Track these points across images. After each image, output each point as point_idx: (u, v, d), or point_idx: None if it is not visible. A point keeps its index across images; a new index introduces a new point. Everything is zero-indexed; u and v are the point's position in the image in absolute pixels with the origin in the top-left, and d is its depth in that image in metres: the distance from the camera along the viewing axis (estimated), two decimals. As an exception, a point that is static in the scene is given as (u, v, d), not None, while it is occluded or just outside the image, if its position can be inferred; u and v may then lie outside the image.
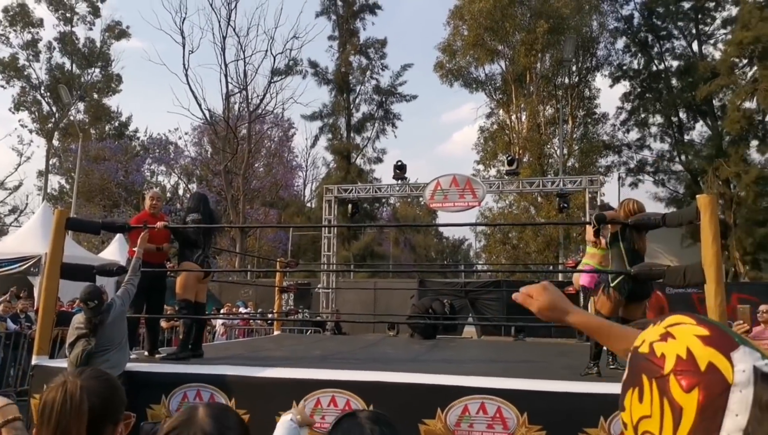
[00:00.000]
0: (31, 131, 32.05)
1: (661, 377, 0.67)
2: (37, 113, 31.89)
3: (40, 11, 31.52)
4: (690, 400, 0.64)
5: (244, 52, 23.66)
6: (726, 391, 0.62)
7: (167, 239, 4.89)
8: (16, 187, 31.60)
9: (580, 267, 6.35)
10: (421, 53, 55.24)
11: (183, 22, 28.24)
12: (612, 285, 4.05)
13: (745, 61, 20.86)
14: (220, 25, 24.01)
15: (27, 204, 31.63)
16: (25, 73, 31.45)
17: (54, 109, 31.76)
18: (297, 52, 32.22)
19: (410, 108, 64.45)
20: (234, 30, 23.76)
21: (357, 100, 30.98)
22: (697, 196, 3.57)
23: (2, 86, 31.32)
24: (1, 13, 30.74)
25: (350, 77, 30.31)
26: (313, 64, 29.92)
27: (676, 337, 0.69)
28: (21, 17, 30.93)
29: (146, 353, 4.84)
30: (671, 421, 0.65)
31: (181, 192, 31.46)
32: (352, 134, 30.71)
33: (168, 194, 31.57)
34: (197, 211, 4.80)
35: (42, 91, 31.72)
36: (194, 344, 4.77)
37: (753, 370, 0.63)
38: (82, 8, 32.36)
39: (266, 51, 33.03)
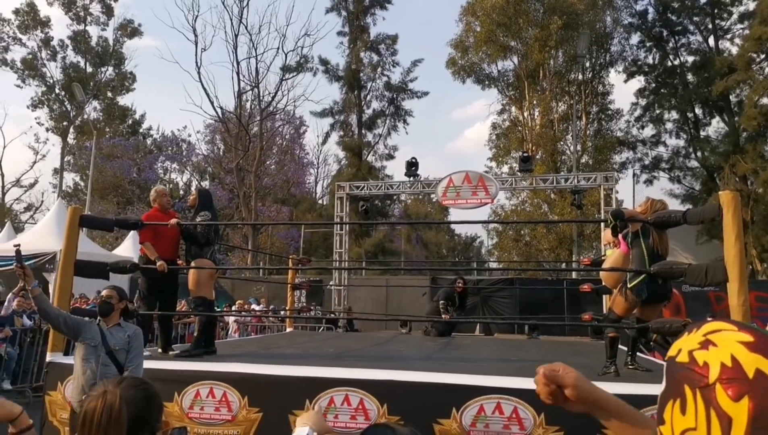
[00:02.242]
0: (47, 129, 32.45)
1: (706, 387, 0.63)
2: (56, 111, 32.25)
3: (53, 11, 31.82)
4: (740, 409, 0.60)
5: (255, 50, 23.71)
6: None
7: (177, 236, 4.87)
8: (32, 185, 32.02)
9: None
10: (432, 49, 55.11)
11: (195, 20, 28.37)
12: (629, 286, 3.95)
13: (762, 56, 20.52)
14: (232, 23, 24.08)
15: (42, 201, 32.04)
16: (41, 72, 31.80)
17: (69, 107, 32.08)
18: (308, 49, 32.22)
19: (421, 105, 64.30)
20: (246, 28, 23.81)
21: (368, 97, 30.94)
22: (720, 192, 3.49)
23: (19, 86, 31.73)
24: (12, 14, 31.12)
25: (361, 74, 30.25)
26: (324, 62, 29.92)
27: (717, 345, 0.65)
28: (31, 18, 31.24)
29: (159, 350, 4.84)
30: (720, 432, 0.61)
31: (193, 189, 31.62)
32: (363, 131, 30.68)
33: (181, 192, 31.77)
34: (207, 209, 4.83)
35: (57, 90, 32.06)
36: (206, 341, 4.76)
37: None
38: (96, 8, 32.66)
39: (278, 48, 33.16)
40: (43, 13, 31.83)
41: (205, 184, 31.18)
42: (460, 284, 8.92)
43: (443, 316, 8.26)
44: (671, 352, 0.71)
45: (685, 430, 0.65)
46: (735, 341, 0.64)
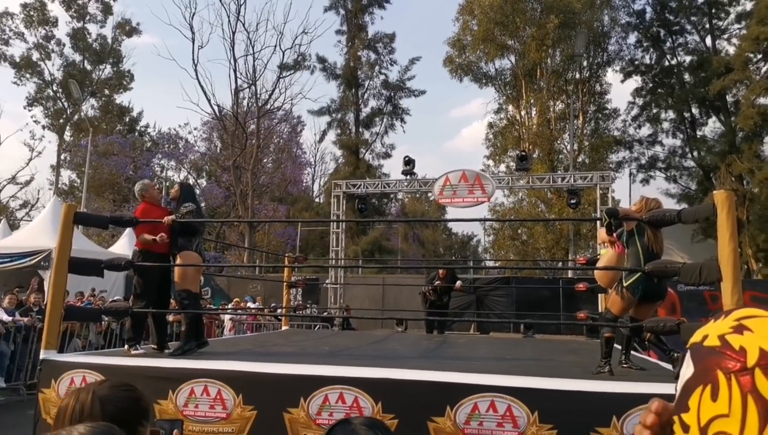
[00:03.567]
0: (44, 127, 32.33)
1: (743, 371, 0.60)
2: (51, 109, 32.13)
3: (54, 9, 31.62)
4: None
5: (253, 48, 23.69)
6: None
7: (171, 231, 4.86)
8: (28, 182, 31.88)
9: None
10: (430, 48, 55.09)
11: (192, 18, 28.21)
12: (625, 284, 3.96)
13: (759, 56, 20.57)
14: (229, 21, 24.07)
15: (38, 198, 31.92)
16: (38, 69, 31.68)
17: (66, 104, 31.98)
18: (306, 47, 32.13)
19: (419, 103, 64.18)
20: (243, 25, 23.83)
21: (365, 95, 30.96)
22: (714, 192, 3.49)
23: (16, 83, 31.61)
24: (19, 7, 31.01)
25: (358, 72, 30.25)
26: (322, 60, 29.91)
27: (754, 330, 0.62)
28: (38, 14, 31.14)
29: (153, 347, 4.82)
30: (757, 418, 0.59)
31: (176, 184, 31.54)
32: (360, 129, 30.68)
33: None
34: (191, 201, 4.83)
35: (54, 88, 31.95)
36: (196, 334, 4.74)
37: None
38: (93, 7, 32.56)
39: (275, 46, 32.90)
40: (52, 13, 31.81)
41: (202, 181, 31.13)
42: (441, 272, 9.03)
43: (427, 294, 8.48)
44: (695, 338, 0.68)
45: (715, 417, 0.61)
46: None
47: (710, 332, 0.66)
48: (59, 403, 1.28)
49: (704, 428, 0.62)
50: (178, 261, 4.66)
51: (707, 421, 0.62)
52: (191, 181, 32.14)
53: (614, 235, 4.07)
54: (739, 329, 0.63)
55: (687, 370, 0.67)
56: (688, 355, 0.68)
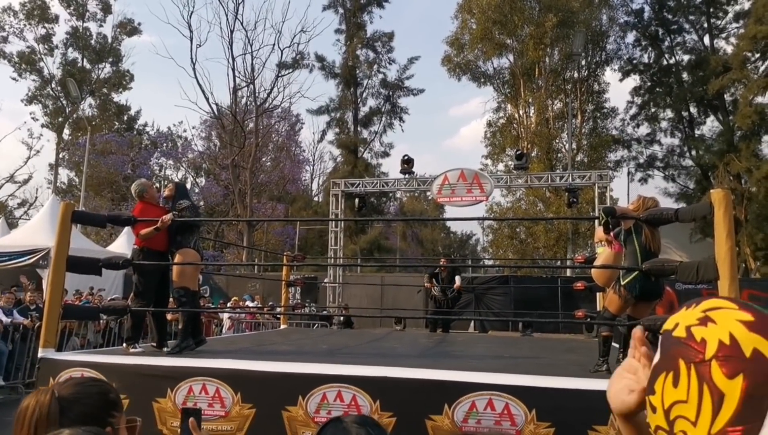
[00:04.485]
0: (42, 125, 32.26)
1: (702, 362, 0.64)
2: (51, 106, 32.07)
3: (54, 5, 31.52)
4: (733, 386, 0.61)
5: (251, 46, 23.69)
6: None
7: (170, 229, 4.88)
8: (26, 181, 31.83)
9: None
10: (428, 47, 55.08)
11: (191, 16, 28.32)
12: (623, 283, 3.97)
13: (757, 56, 20.59)
14: (227, 19, 24.09)
15: (36, 197, 31.87)
16: (38, 67, 31.62)
17: (64, 103, 31.92)
18: (304, 46, 32.14)
19: (417, 102, 64.25)
20: (241, 24, 23.92)
21: (364, 94, 30.94)
22: (711, 190, 3.50)
23: (15, 79, 31.54)
24: (18, 5, 30.93)
25: (357, 71, 30.23)
26: (320, 58, 29.89)
27: (717, 322, 0.66)
28: (38, 11, 31.06)
29: (153, 345, 4.83)
30: (710, 407, 0.63)
31: (188, 186, 31.56)
32: (359, 128, 30.66)
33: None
34: (185, 199, 4.85)
35: (53, 86, 31.89)
36: (193, 331, 4.74)
37: None
38: (93, 5, 32.51)
39: (273, 45, 32.90)
40: (53, 9, 31.72)
41: (201, 180, 31.10)
42: (443, 262, 9.01)
43: (432, 289, 8.46)
44: (668, 325, 0.72)
45: (675, 402, 0.66)
46: (734, 320, 0.65)
47: (680, 321, 0.70)
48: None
49: (667, 411, 0.66)
50: (177, 258, 4.66)
51: (669, 404, 0.66)
52: (189, 179, 32.13)
53: (611, 234, 4.07)
54: (704, 321, 0.67)
55: (656, 355, 0.71)
56: (659, 341, 0.72)
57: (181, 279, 4.62)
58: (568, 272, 14.27)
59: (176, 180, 28.13)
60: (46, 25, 31.62)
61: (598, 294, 8.21)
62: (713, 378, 0.63)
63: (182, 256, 4.64)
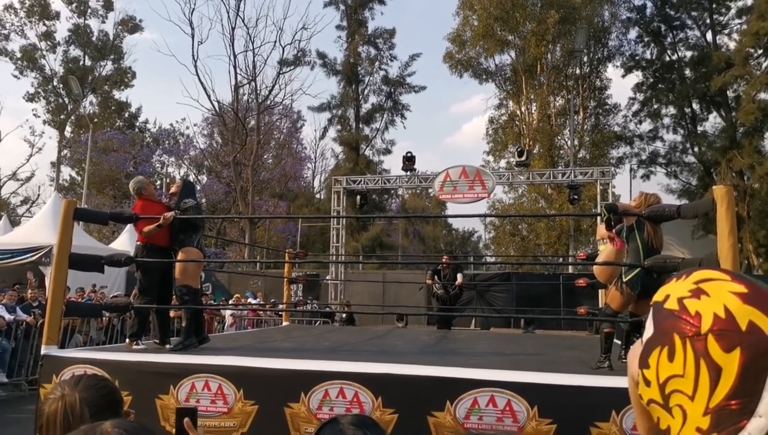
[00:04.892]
0: (44, 122, 32.28)
1: (697, 336, 0.63)
2: (53, 103, 32.09)
3: (55, 3, 31.53)
4: (730, 360, 0.61)
5: (252, 43, 23.62)
6: None
7: (172, 226, 4.88)
8: (28, 178, 31.88)
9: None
10: (430, 44, 54.93)
11: (192, 13, 28.23)
12: (625, 280, 3.97)
13: (760, 52, 20.52)
14: (228, 16, 23.97)
15: (39, 195, 31.92)
16: (39, 64, 31.62)
17: (66, 100, 31.94)
18: (306, 43, 32.07)
19: (419, 99, 64.09)
20: (243, 21, 23.76)
21: (365, 91, 30.89)
22: (713, 187, 3.49)
23: (16, 77, 31.56)
24: (18, 2, 30.90)
25: (359, 68, 30.18)
26: (322, 55, 29.84)
27: (710, 295, 0.65)
28: (39, 8, 31.05)
29: (156, 342, 4.84)
30: (708, 381, 0.62)
31: (177, 179, 31.56)
32: (360, 125, 30.63)
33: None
34: (191, 197, 4.86)
35: (55, 83, 31.91)
36: (197, 330, 4.75)
37: None
38: (94, 2, 32.48)
39: (275, 42, 32.84)
40: (53, 6, 31.69)
41: (203, 177, 31.11)
42: (445, 259, 9.03)
43: (434, 287, 8.46)
44: (658, 296, 0.70)
45: (672, 377, 0.65)
46: (728, 292, 0.64)
47: (671, 293, 0.68)
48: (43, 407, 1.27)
49: (662, 385, 0.66)
50: (180, 257, 4.67)
51: (665, 379, 0.65)
52: (192, 177, 32.13)
53: (613, 231, 4.07)
54: (697, 293, 0.66)
55: (649, 329, 0.69)
56: (650, 313, 0.71)
57: (183, 277, 4.63)
58: (570, 269, 14.27)
59: (184, 177, 28.12)
60: (46, 22, 31.61)
61: (600, 291, 8.21)
62: (710, 352, 0.62)
63: (185, 254, 4.65)
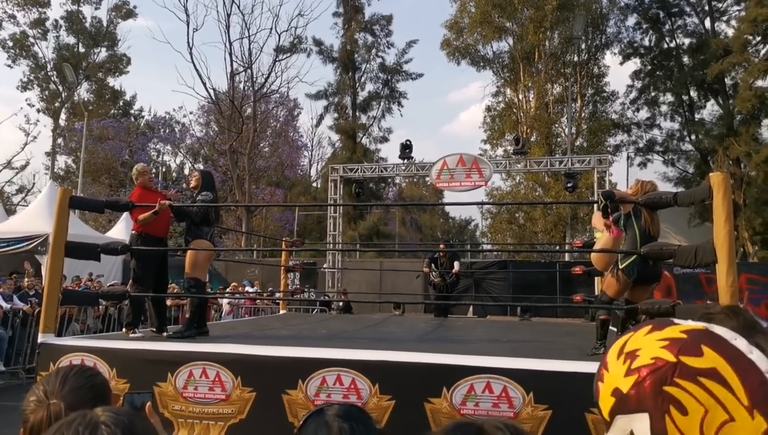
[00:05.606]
0: (38, 111, 32.05)
1: (671, 377, 0.67)
2: (47, 92, 31.83)
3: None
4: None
5: (248, 30, 23.38)
6: None
7: (169, 216, 4.83)
8: (23, 167, 31.69)
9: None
10: (427, 31, 54.53)
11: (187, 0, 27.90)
12: (621, 267, 3.98)
13: (758, 39, 20.43)
14: (224, 2, 23.71)
15: (34, 183, 31.76)
16: (32, 51, 31.32)
17: (60, 88, 31.68)
18: (302, 29, 31.79)
19: (417, 87, 63.88)
20: (238, 7, 23.46)
21: (362, 79, 30.73)
22: (710, 174, 3.49)
23: (9, 65, 31.28)
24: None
25: (355, 55, 29.98)
26: (318, 42, 29.61)
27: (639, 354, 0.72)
28: None
29: (152, 330, 4.85)
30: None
31: (186, 171, 31.48)
32: (357, 113, 30.51)
33: (174, 174, 31.57)
34: (209, 190, 4.78)
35: (48, 70, 31.63)
36: (199, 322, 4.77)
37: None
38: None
39: (271, 29, 32.62)
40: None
41: (199, 166, 30.96)
42: (442, 247, 9.05)
43: (431, 275, 8.48)
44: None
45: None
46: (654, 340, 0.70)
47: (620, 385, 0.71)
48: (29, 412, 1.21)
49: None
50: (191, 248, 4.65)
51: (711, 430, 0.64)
52: (187, 165, 32.02)
53: (610, 218, 4.08)
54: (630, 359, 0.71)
55: (641, 423, 0.68)
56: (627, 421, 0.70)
57: (193, 270, 4.63)
58: (567, 257, 14.30)
59: (202, 169, 27.84)
60: (39, 9, 31.26)
61: (596, 278, 8.25)
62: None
63: (196, 247, 4.64)
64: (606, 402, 0.72)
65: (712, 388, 0.63)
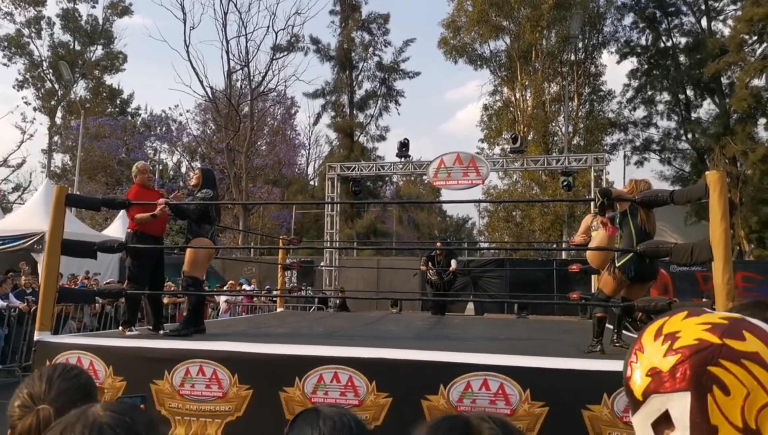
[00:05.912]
0: (35, 109, 31.91)
1: (714, 358, 0.69)
2: (43, 90, 31.69)
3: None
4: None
5: (245, 29, 23.32)
6: None
7: (165, 214, 4.80)
8: (20, 165, 31.58)
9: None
10: (424, 30, 54.51)
11: (184, -3, 27.81)
12: (617, 265, 3.99)
13: (754, 38, 20.49)
14: (221, 1, 23.64)
15: (30, 181, 31.65)
16: (28, 49, 31.17)
17: (56, 86, 31.56)
18: (299, 28, 31.76)
19: (414, 86, 63.86)
20: (235, 5, 23.40)
21: (359, 77, 30.65)
22: (706, 172, 3.50)
23: (5, 64, 31.14)
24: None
25: (352, 53, 29.93)
26: (315, 41, 29.54)
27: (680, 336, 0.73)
28: None
29: (149, 328, 4.84)
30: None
31: (183, 170, 31.42)
32: (354, 112, 30.46)
33: (170, 172, 31.49)
34: (210, 187, 4.74)
35: (45, 69, 31.51)
36: (196, 320, 4.76)
37: None
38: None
39: (268, 27, 32.54)
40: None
41: (196, 164, 30.89)
42: (439, 245, 9.08)
43: (428, 273, 8.48)
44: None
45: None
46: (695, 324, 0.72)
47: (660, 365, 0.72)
48: (14, 417, 1.14)
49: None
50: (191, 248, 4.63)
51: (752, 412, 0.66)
52: (184, 163, 31.94)
53: (606, 216, 4.09)
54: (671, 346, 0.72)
55: (680, 402, 0.69)
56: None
57: (192, 268, 4.61)
58: (564, 255, 14.32)
59: (203, 167, 27.76)
60: (36, 8, 31.12)
61: (592, 276, 8.26)
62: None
63: (197, 244, 4.62)
64: (641, 382, 0.73)
65: (755, 371, 0.66)
